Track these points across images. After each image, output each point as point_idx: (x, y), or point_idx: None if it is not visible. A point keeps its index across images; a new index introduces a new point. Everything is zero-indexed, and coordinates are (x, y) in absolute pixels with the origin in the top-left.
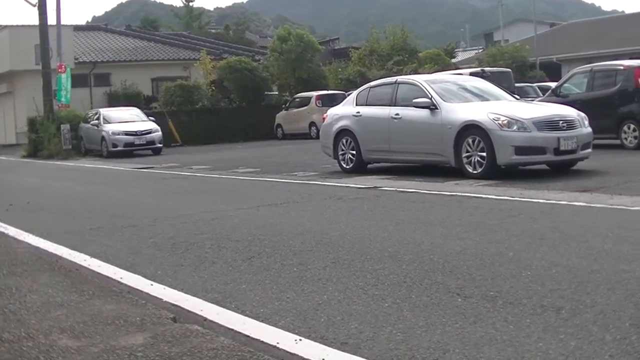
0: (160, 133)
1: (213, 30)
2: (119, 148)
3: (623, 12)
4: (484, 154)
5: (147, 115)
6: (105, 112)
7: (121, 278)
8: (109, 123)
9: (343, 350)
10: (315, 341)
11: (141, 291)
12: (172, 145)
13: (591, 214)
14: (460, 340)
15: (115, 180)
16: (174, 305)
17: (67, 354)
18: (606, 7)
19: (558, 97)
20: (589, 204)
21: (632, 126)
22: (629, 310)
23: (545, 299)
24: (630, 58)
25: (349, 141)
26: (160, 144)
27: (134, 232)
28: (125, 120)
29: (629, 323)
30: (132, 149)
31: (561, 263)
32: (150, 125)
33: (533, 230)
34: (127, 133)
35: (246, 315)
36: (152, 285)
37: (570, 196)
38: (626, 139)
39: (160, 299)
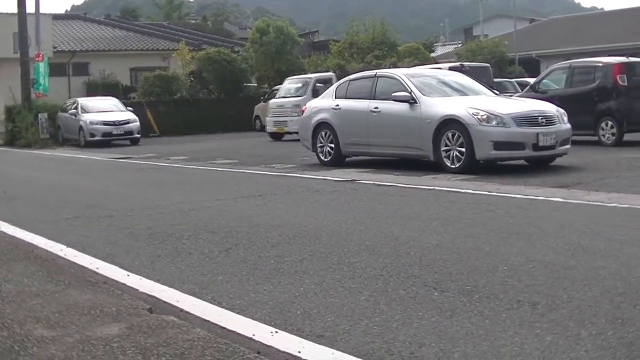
0: (138, 123)
1: (192, 21)
2: (96, 138)
3: (602, 9)
4: (463, 148)
5: (126, 105)
6: (84, 101)
7: (97, 268)
8: (87, 112)
9: (319, 343)
10: (292, 333)
11: (117, 281)
12: (150, 136)
13: (568, 210)
14: (436, 334)
15: (92, 170)
16: (150, 296)
17: (42, 344)
18: (586, 3)
19: (537, 92)
20: (566, 200)
21: (610, 123)
22: (604, 306)
23: (522, 293)
24: (609, 55)
25: (327, 134)
26: (138, 134)
27: (111, 222)
28: (104, 110)
29: (604, 319)
30: (109, 138)
31: (538, 258)
32: (129, 115)
33: (510, 225)
34: (105, 123)
35: (222, 306)
36: (128, 275)
37: (548, 192)
38: (604, 135)
39: (137, 290)
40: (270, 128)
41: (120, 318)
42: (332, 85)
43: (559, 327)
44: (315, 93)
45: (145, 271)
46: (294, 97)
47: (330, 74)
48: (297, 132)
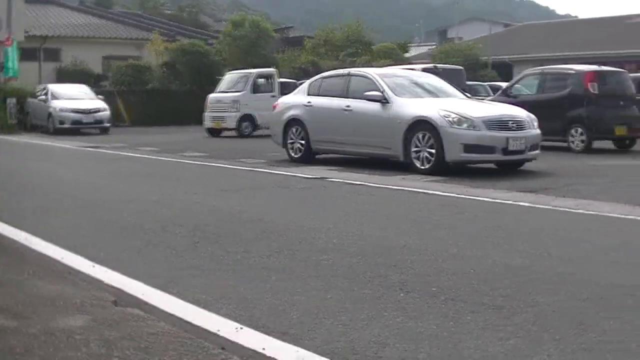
0: (108, 112)
1: (168, 11)
2: (65, 125)
3: (576, 16)
4: (433, 150)
5: (97, 93)
6: (54, 87)
7: (63, 258)
8: (57, 99)
9: (284, 340)
10: (257, 330)
11: (83, 273)
12: (120, 125)
13: (535, 215)
14: (401, 335)
15: (60, 158)
16: (115, 288)
17: (3, 334)
18: (560, 10)
19: (508, 97)
20: (533, 205)
21: (579, 130)
22: (568, 311)
23: (487, 296)
24: (581, 63)
25: (298, 131)
26: (108, 123)
27: (78, 212)
28: (74, 98)
29: (567, 324)
30: (79, 126)
31: (503, 262)
32: (99, 103)
33: (477, 228)
34: (75, 110)
35: (188, 301)
36: (94, 267)
37: (516, 196)
38: (573, 142)
39: (102, 282)
40: (207, 123)
41: (84, 310)
42: (273, 81)
43: (523, 330)
44: (256, 88)
45: (111, 263)
46: (233, 92)
47: (272, 69)
48: (235, 129)
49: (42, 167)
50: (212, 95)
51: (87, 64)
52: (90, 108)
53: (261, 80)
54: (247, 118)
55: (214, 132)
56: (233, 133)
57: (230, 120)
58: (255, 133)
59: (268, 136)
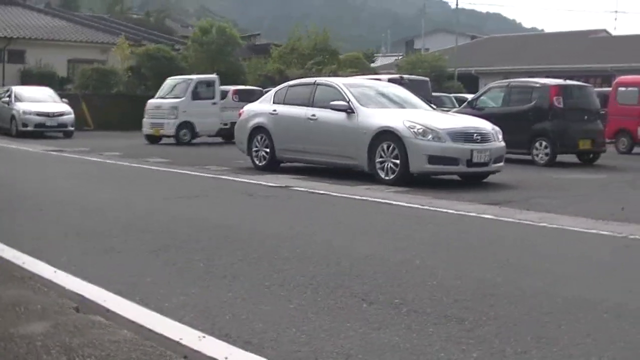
0: (72, 116)
1: (134, 16)
2: (29, 128)
3: (543, 30)
4: (398, 160)
5: (61, 97)
6: (18, 90)
7: (23, 263)
8: (21, 102)
9: (246, 350)
10: (219, 339)
11: (44, 278)
12: (84, 129)
13: (498, 227)
14: (363, 346)
15: (23, 161)
16: (77, 294)
17: None
18: (527, 24)
19: (474, 109)
20: (497, 217)
21: (544, 143)
22: (530, 324)
23: (449, 309)
24: (547, 76)
25: (263, 139)
26: (72, 127)
27: (40, 216)
28: (38, 100)
29: (529, 337)
30: (42, 130)
31: (466, 274)
32: (63, 107)
33: (440, 240)
34: (38, 113)
35: (150, 308)
36: (55, 272)
37: (479, 208)
38: (537, 155)
39: (64, 287)
40: (146, 130)
41: (45, 316)
42: (215, 88)
43: (485, 343)
44: (195, 95)
45: (73, 268)
46: (173, 98)
47: (213, 76)
48: (173, 136)
49: (3, 170)
50: (151, 101)
51: (52, 67)
52: (54, 111)
53: (202, 87)
54: (186, 125)
55: (153, 139)
56: (172, 140)
57: (169, 127)
58: (195, 141)
59: (207, 144)
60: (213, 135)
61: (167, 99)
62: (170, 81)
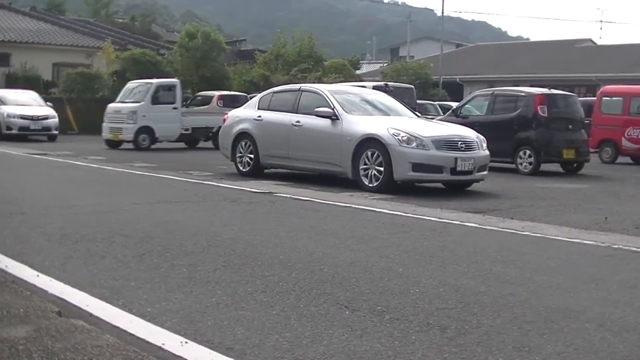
0: (57, 119)
1: (120, 20)
2: (13, 131)
3: (528, 39)
4: (382, 168)
5: (45, 100)
6: (2, 93)
7: (6, 267)
8: (5, 105)
9: (228, 356)
10: (201, 344)
11: (27, 282)
12: (68, 133)
13: (482, 236)
14: (346, 353)
15: (6, 165)
16: (60, 298)
17: None
18: (512, 32)
19: (458, 117)
20: (480, 226)
21: (527, 152)
22: (512, 333)
23: (432, 317)
24: (531, 85)
25: (247, 144)
26: (56, 130)
27: (23, 219)
28: (22, 104)
29: (512, 346)
30: (27, 133)
31: (449, 282)
32: (48, 110)
33: (424, 248)
34: (23, 117)
35: (133, 313)
36: (38, 276)
37: (463, 216)
38: (521, 164)
39: (46, 291)
40: (105, 134)
41: (28, 320)
42: (176, 92)
43: (467, 352)
44: (155, 99)
45: (56, 272)
46: (132, 102)
47: (174, 80)
48: (131, 141)
49: None
50: (110, 105)
51: (36, 70)
52: (38, 115)
53: (162, 91)
54: (145, 130)
55: (113, 144)
56: (131, 145)
57: (127, 132)
58: (155, 146)
59: (164, 149)
60: (174, 140)
61: (127, 103)
62: (130, 85)
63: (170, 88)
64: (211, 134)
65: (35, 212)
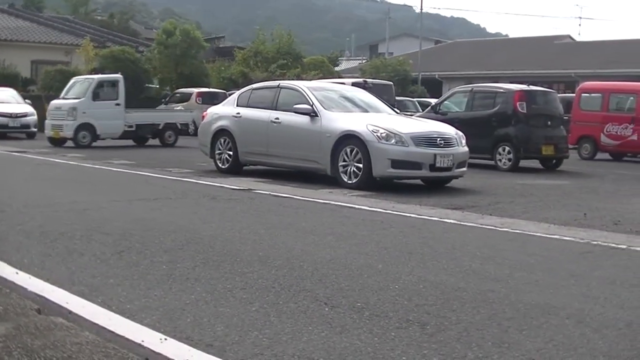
0: (35, 117)
1: (99, 17)
2: None
3: (507, 35)
4: (361, 164)
5: (24, 98)
6: None
7: None
8: None
9: (208, 353)
10: (181, 341)
11: (6, 279)
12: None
13: (461, 232)
14: (326, 350)
15: None
16: (39, 295)
17: None
18: (491, 29)
19: (437, 114)
20: (459, 222)
21: (507, 148)
22: (492, 329)
23: (411, 313)
24: (511, 82)
25: (226, 141)
26: (35, 128)
27: (2, 217)
28: (1, 101)
29: (491, 342)
30: (5, 130)
31: (429, 279)
32: (26, 108)
33: (403, 244)
34: (1, 114)
35: (112, 310)
36: (17, 273)
37: (442, 213)
38: (500, 160)
39: (25, 289)
40: (47, 132)
41: (7, 317)
42: (119, 88)
43: (447, 348)
44: (96, 96)
45: (35, 270)
46: (73, 99)
47: (117, 75)
48: (71, 138)
49: None
50: (53, 102)
51: (15, 68)
52: (17, 112)
53: (104, 87)
54: (86, 127)
55: (56, 142)
56: (72, 143)
57: (67, 128)
58: (96, 144)
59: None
60: (117, 137)
61: (68, 99)
62: (74, 81)
63: (114, 84)
64: (157, 131)
65: (15, 210)
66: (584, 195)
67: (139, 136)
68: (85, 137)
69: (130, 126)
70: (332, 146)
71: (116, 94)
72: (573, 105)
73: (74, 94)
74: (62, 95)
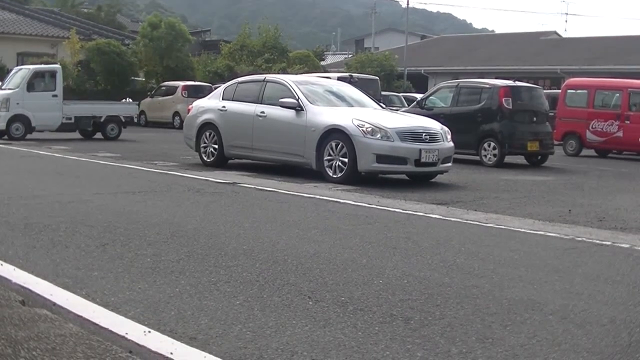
0: None
1: (85, 10)
2: None
3: (493, 31)
4: (346, 159)
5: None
6: None
7: None
8: None
9: (191, 345)
10: (164, 334)
11: None
12: None
13: (446, 227)
14: (309, 344)
15: None
16: (23, 287)
17: None
18: (477, 24)
19: (423, 109)
20: (444, 217)
21: (492, 144)
22: (475, 324)
23: (395, 308)
24: (496, 77)
25: (212, 135)
26: None
27: None
28: None
29: (475, 337)
30: None
31: (413, 274)
32: None
33: (387, 239)
34: None
35: (96, 302)
36: (2, 265)
37: (427, 208)
38: (485, 156)
39: (10, 280)
40: None
41: None
42: (56, 79)
43: (430, 343)
44: (31, 87)
45: (20, 262)
46: (7, 89)
47: (55, 66)
48: (4, 130)
49: None
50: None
51: (0, 60)
52: None
53: (40, 78)
54: (19, 119)
55: None
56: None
57: (0, 120)
58: (31, 136)
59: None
60: (54, 130)
61: (4, 90)
62: (14, 70)
63: (52, 74)
64: (99, 124)
65: None
66: (568, 191)
67: (78, 129)
68: (19, 130)
69: (69, 118)
70: (317, 140)
71: (54, 85)
72: (558, 102)
73: (13, 85)
74: (3, 85)
